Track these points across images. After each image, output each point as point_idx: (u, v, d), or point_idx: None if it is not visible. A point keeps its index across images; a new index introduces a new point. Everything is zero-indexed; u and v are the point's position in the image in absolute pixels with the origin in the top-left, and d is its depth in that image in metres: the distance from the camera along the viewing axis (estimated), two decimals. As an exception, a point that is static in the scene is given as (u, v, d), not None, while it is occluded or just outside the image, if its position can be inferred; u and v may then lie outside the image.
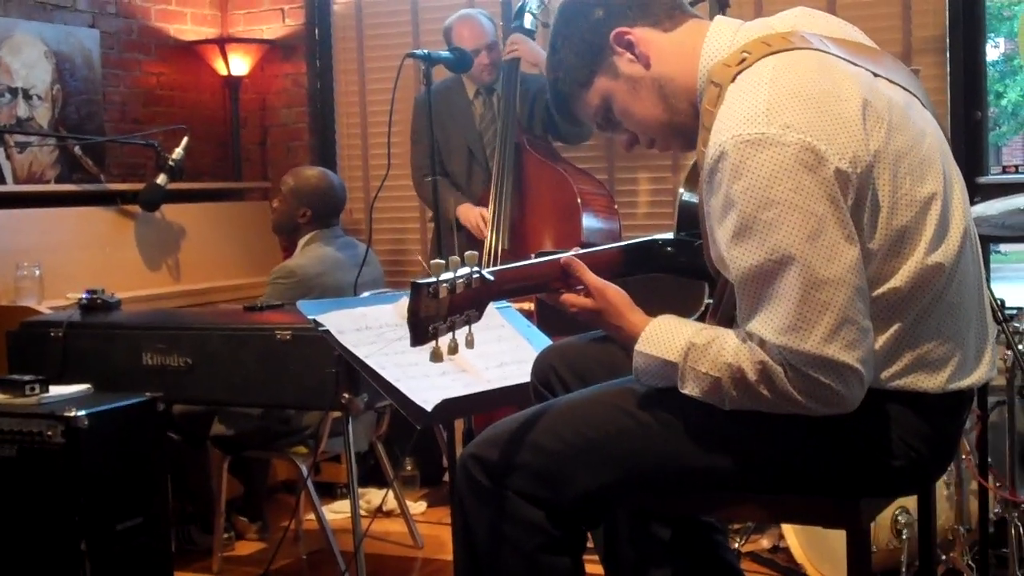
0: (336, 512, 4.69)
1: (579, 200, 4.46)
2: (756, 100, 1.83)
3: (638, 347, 1.96)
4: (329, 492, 4.91)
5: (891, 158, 1.83)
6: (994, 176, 4.72)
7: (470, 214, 4.57)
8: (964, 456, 3.49)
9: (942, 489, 3.62)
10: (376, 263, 4.41)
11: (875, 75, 1.95)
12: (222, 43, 5.67)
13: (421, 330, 1.83)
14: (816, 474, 1.95)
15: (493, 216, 4.49)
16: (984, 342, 2.01)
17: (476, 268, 1.90)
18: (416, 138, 4.75)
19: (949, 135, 4.48)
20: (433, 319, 1.84)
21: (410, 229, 5.52)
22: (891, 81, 1.97)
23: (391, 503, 4.56)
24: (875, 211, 1.82)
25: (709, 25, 2.04)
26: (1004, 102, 15.13)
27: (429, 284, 1.83)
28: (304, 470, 3.91)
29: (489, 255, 4.48)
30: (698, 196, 1.97)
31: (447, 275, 1.85)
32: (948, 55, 4.67)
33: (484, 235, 4.49)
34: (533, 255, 2.15)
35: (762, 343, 1.81)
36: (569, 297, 2.04)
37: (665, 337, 1.94)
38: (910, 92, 2.01)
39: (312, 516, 4.29)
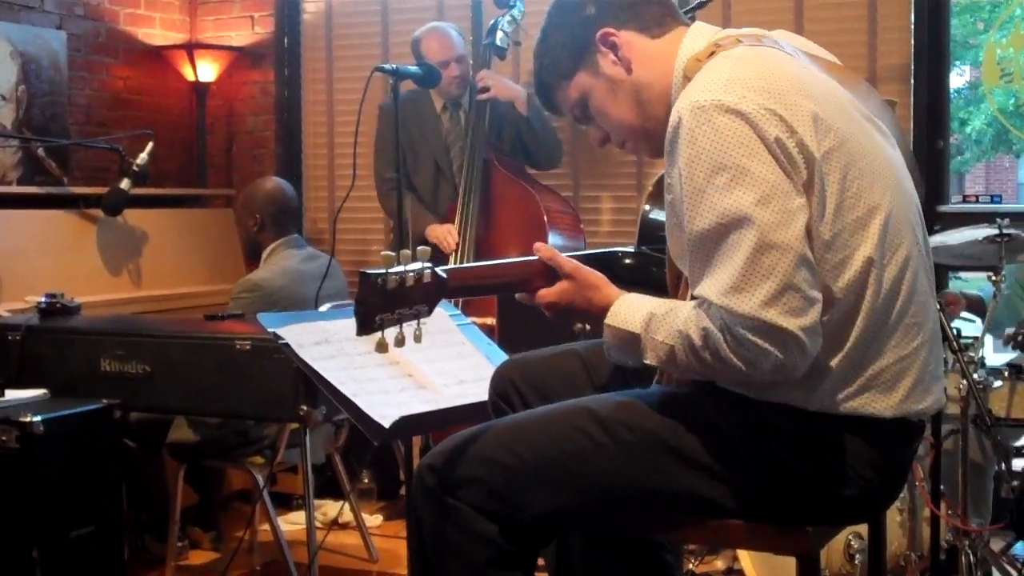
0: (292, 523, 4.67)
1: (545, 217, 4.47)
2: (718, 75, 1.87)
3: (606, 320, 1.99)
4: (285, 503, 4.89)
5: (842, 159, 1.86)
6: (955, 205, 4.78)
7: (436, 232, 4.56)
8: (918, 483, 3.51)
9: (895, 515, 3.64)
10: (340, 275, 4.40)
11: (843, 90, 1.99)
12: (190, 48, 5.65)
13: (367, 320, 1.84)
14: (766, 500, 1.96)
15: (459, 231, 4.48)
16: (937, 369, 2.02)
17: (428, 264, 1.90)
18: (380, 146, 4.74)
19: (912, 163, 4.56)
20: (380, 310, 1.84)
21: (374, 240, 5.50)
22: (856, 101, 2.01)
23: (347, 515, 4.55)
24: (821, 204, 1.84)
25: (690, 29, 2.08)
26: (968, 130, 15.28)
27: (378, 275, 1.83)
28: (260, 481, 3.89)
29: (453, 269, 4.47)
30: (665, 200, 1.98)
31: (397, 268, 1.86)
32: (912, 84, 4.72)
33: (450, 250, 4.49)
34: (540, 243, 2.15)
35: (708, 306, 1.82)
36: (545, 291, 2.06)
37: (630, 310, 1.97)
38: (875, 119, 2.04)
39: (267, 527, 4.26)
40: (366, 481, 4.97)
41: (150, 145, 4.67)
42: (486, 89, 4.48)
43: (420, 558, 2.08)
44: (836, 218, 1.85)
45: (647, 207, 2.52)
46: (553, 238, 4.45)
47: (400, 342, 1.90)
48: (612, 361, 2.05)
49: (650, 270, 2.19)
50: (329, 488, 4.78)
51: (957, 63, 13.32)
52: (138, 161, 4.62)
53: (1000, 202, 5.00)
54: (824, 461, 1.93)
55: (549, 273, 2.06)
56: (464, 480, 2.00)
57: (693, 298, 1.88)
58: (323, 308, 3.72)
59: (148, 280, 4.92)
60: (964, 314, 3.72)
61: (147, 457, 4.11)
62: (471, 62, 4.68)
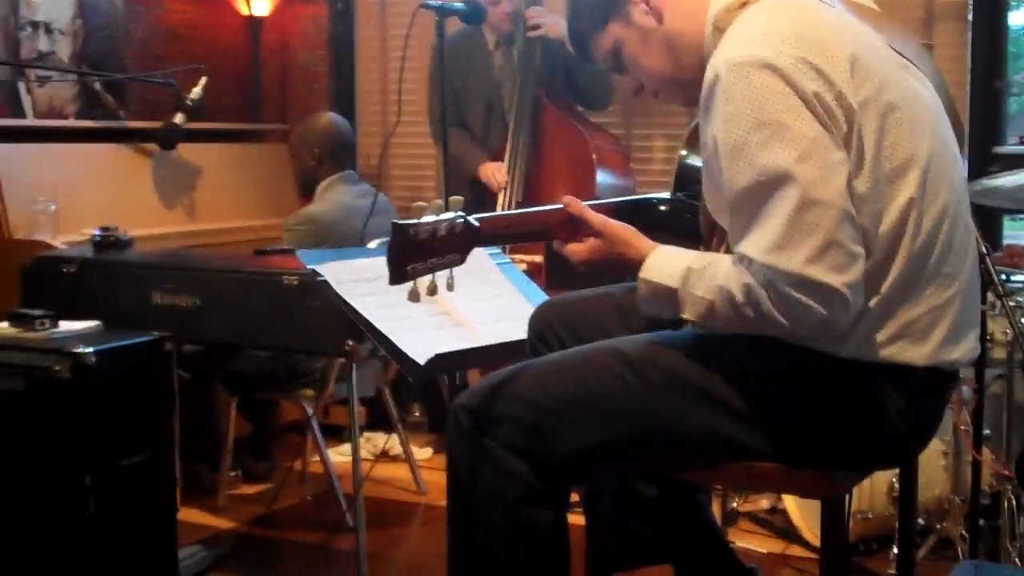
0: (343, 455, 4.73)
1: (594, 155, 4.46)
2: (752, 29, 1.87)
3: (641, 275, 1.99)
4: (337, 435, 4.96)
5: (880, 109, 1.85)
6: (1012, 146, 4.70)
7: (487, 170, 4.56)
8: (961, 428, 3.50)
9: (939, 459, 3.64)
10: (391, 212, 4.43)
11: (879, 35, 1.97)
12: (245, -18, 5.66)
13: (399, 269, 1.86)
14: (793, 444, 1.97)
15: (508, 169, 4.49)
16: (973, 319, 2.02)
17: (460, 213, 1.92)
18: (431, 84, 4.74)
19: (968, 103, 4.49)
20: (412, 259, 1.86)
21: (427, 176, 5.52)
22: (893, 48, 1.99)
23: (397, 448, 4.62)
24: (860, 154, 1.84)
25: None
26: (1035, 67, 14.98)
27: (409, 225, 1.85)
28: (310, 412, 3.96)
29: (503, 208, 4.48)
30: (701, 155, 1.98)
31: (429, 218, 1.88)
32: (970, 22, 4.63)
33: (499, 188, 4.50)
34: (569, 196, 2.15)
35: (749, 263, 1.82)
36: (574, 246, 2.06)
37: (666, 264, 1.97)
38: (912, 63, 2.02)
39: (318, 458, 4.34)
40: (417, 414, 5.03)
41: (203, 80, 4.71)
42: (536, 27, 4.46)
43: (455, 496, 2.11)
44: (874, 168, 1.84)
45: (683, 152, 2.50)
46: (602, 176, 4.45)
47: (432, 291, 1.92)
48: (646, 314, 2.05)
49: (685, 218, 2.19)
50: (380, 421, 4.84)
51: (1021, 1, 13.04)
52: (192, 96, 4.67)
53: (1060, 143, 4.93)
54: (853, 408, 1.93)
55: (576, 225, 2.06)
56: (497, 419, 2.03)
57: (733, 253, 1.88)
58: (371, 245, 3.77)
59: (202, 214, 4.98)
60: None
61: (201, 388, 4.19)
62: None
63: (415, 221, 1.87)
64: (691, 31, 2.04)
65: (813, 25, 1.86)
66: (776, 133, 1.78)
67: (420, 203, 1.90)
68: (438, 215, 1.90)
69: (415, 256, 1.87)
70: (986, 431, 3.53)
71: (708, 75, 1.87)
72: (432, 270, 1.91)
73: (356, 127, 5.73)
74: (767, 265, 1.79)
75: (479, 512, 2.06)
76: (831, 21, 1.90)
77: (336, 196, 4.22)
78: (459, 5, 3.57)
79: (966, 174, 2.04)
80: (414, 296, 1.92)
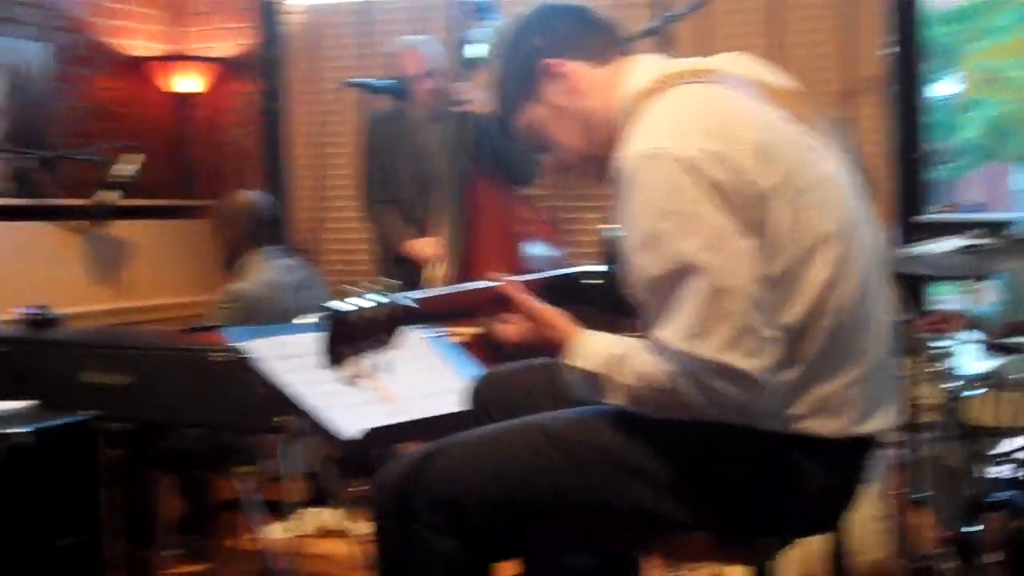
0: (284, 532, 4.68)
1: (523, 228, 4.50)
2: (660, 120, 1.91)
3: (566, 360, 2.01)
4: (276, 511, 4.90)
5: (789, 192, 1.88)
6: (934, 215, 4.81)
7: (416, 245, 4.59)
8: (892, 491, 3.54)
9: (874, 523, 3.66)
10: (319, 285, 4.44)
11: (788, 118, 2.01)
12: (172, 60, 5.68)
13: (333, 354, 1.87)
14: (716, 514, 1.99)
15: (438, 244, 4.51)
16: (891, 390, 2.06)
17: (392, 295, 1.94)
18: (362, 163, 4.78)
19: (889, 174, 4.59)
20: (342, 345, 1.87)
21: (360, 251, 5.52)
22: (805, 127, 2.03)
23: (338, 523, 4.58)
24: (771, 240, 1.87)
25: (635, 59, 2.12)
26: (962, 136, 15.31)
27: (343, 311, 1.87)
28: (245, 490, 3.92)
29: (433, 283, 4.50)
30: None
31: (360, 301, 1.90)
32: (888, 96, 4.76)
33: (426, 264, 4.52)
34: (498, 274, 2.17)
35: (667, 351, 1.85)
36: (500, 328, 2.09)
37: (589, 349, 1.99)
38: (826, 139, 2.07)
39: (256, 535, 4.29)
40: (354, 489, 4.98)
41: (135, 156, 4.69)
42: (462, 102, 4.51)
43: (384, 573, 2.10)
44: (785, 251, 1.88)
45: (605, 227, 2.53)
46: (532, 248, 4.48)
47: (368, 372, 1.94)
48: (574, 396, 2.07)
49: (613, 291, 2.21)
50: (323, 495, 4.80)
51: (947, 71, 13.38)
52: (123, 173, 4.64)
53: (981, 211, 5.05)
54: (772, 477, 1.96)
55: (507, 304, 2.08)
56: (419, 498, 2.03)
57: (650, 339, 1.91)
58: (304, 317, 3.77)
59: (134, 291, 4.94)
60: (967, 333, 3.72)
61: (135, 467, 4.13)
62: (449, 75, 4.71)
63: (351, 307, 1.88)
64: (603, 110, 2.08)
65: (720, 115, 1.90)
66: (684, 223, 1.82)
67: (345, 285, 1.92)
68: (368, 297, 1.91)
69: (346, 341, 1.89)
70: (921, 495, 3.58)
71: (615, 167, 1.91)
72: (367, 352, 1.92)
73: (290, 202, 5.77)
74: (683, 352, 1.83)
75: None
76: (738, 109, 1.94)
77: (260, 274, 4.22)
78: (384, 82, 3.61)
79: (880, 245, 2.08)
80: (348, 380, 1.93)
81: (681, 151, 1.84)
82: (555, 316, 2.06)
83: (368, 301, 1.90)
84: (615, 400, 1.96)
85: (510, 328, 2.08)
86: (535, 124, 2.15)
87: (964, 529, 3.10)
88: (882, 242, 2.10)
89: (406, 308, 1.94)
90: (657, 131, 1.89)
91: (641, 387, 1.90)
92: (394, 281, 1.98)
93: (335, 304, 1.88)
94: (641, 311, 1.96)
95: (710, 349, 1.81)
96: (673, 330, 1.85)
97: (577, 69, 2.11)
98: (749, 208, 1.85)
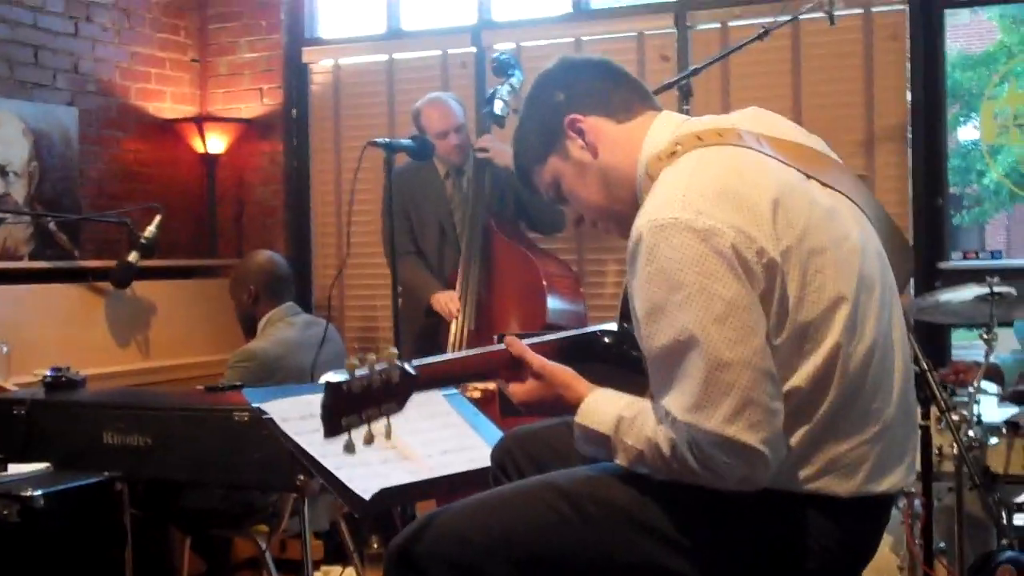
0: (301, 590, 4.69)
1: (544, 282, 4.52)
2: (675, 188, 1.91)
3: (576, 419, 2.02)
4: (294, 569, 4.90)
5: (803, 255, 1.89)
6: (955, 262, 4.80)
7: (440, 301, 4.61)
8: (916, 543, 3.51)
9: (896, 573, 3.64)
10: (339, 341, 4.46)
11: (807, 176, 2.01)
12: (200, 121, 5.77)
13: (333, 424, 1.89)
14: (735, 572, 1.97)
15: (460, 297, 4.53)
16: (904, 448, 2.04)
17: (396, 363, 1.95)
18: (385, 219, 4.80)
19: (911, 221, 4.59)
20: (345, 413, 1.89)
21: (383, 307, 5.56)
22: (824, 184, 2.04)
23: (356, 582, 4.56)
24: (783, 305, 1.87)
25: (656, 117, 2.13)
26: (986, 181, 15.27)
27: (341, 382, 1.89)
28: (264, 548, 3.92)
29: (456, 336, 4.52)
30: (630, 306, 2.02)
31: (361, 372, 1.91)
32: (909, 142, 4.76)
33: (452, 317, 4.54)
34: (495, 337, 2.20)
35: (672, 420, 1.86)
36: (514, 387, 2.09)
37: (600, 410, 2.00)
38: (848, 197, 2.07)
39: (275, 594, 4.29)
40: (375, 546, 4.97)
41: (158, 218, 4.76)
42: (485, 150, 4.55)
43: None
44: (798, 313, 1.88)
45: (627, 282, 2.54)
46: (553, 302, 4.50)
47: (369, 440, 1.95)
48: (583, 455, 2.08)
49: (629, 351, 2.22)
50: (339, 554, 4.80)
51: (973, 115, 13.36)
52: (146, 234, 4.71)
53: (1000, 258, 5.04)
54: (786, 535, 1.95)
55: (517, 365, 2.09)
56: (432, 558, 2.03)
57: (656, 407, 1.92)
58: (326, 375, 3.78)
59: (156, 351, 4.99)
60: (983, 383, 3.70)
61: (154, 526, 4.15)
62: (471, 130, 4.76)
63: (347, 376, 1.91)
64: (624, 167, 2.10)
65: (736, 178, 1.91)
66: (694, 295, 1.83)
67: (353, 360, 1.94)
68: (372, 367, 1.93)
69: (348, 410, 1.91)
70: (940, 544, 3.55)
71: (632, 234, 1.91)
72: (367, 421, 1.94)
73: (313, 261, 5.81)
74: (688, 424, 1.84)
75: None
76: (755, 170, 1.94)
77: (277, 332, 4.26)
78: (406, 142, 3.65)
79: (898, 302, 2.08)
80: (350, 448, 1.94)
81: (694, 221, 1.85)
82: (566, 375, 2.07)
83: (363, 370, 1.92)
84: (620, 461, 1.97)
85: (523, 387, 2.09)
86: (558, 178, 2.18)
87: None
88: (898, 300, 2.09)
89: (405, 373, 1.96)
90: (671, 199, 1.89)
91: (646, 451, 1.91)
92: (394, 350, 1.99)
93: (331, 375, 1.90)
94: (650, 377, 1.97)
95: (713, 422, 1.82)
96: (678, 400, 1.85)
97: (598, 125, 2.13)
98: (762, 276, 1.85)
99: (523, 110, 2.23)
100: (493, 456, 2.41)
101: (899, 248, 2.14)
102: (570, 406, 2.05)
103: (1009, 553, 3.02)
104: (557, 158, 2.16)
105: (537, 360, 2.07)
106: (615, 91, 2.16)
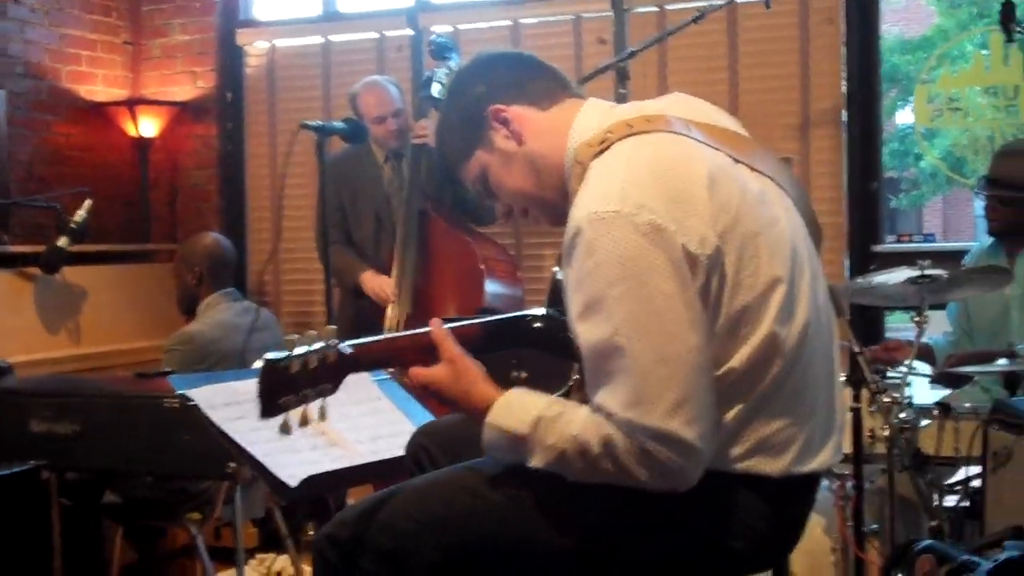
0: (235, 577, 4.65)
1: (482, 265, 4.50)
2: (612, 180, 1.89)
3: (488, 419, 1.97)
4: (229, 557, 4.85)
5: (738, 239, 1.89)
6: (889, 244, 4.84)
7: (372, 283, 4.58)
8: (841, 524, 3.53)
9: (828, 555, 3.66)
10: (275, 327, 4.42)
11: (736, 161, 2.01)
12: (132, 105, 5.68)
13: (270, 403, 1.87)
14: (661, 555, 1.98)
15: (397, 283, 4.51)
16: (831, 429, 2.06)
17: (333, 342, 1.92)
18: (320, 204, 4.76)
19: (846, 205, 4.62)
20: (282, 392, 1.86)
21: (317, 291, 5.50)
22: (752, 168, 2.04)
23: (289, 569, 4.54)
24: (720, 292, 1.87)
25: (583, 104, 2.11)
26: (923, 164, 15.44)
27: (279, 359, 1.86)
28: (198, 537, 3.88)
29: (392, 322, 4.49)
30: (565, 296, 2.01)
31: (300, 349, 1.88)
32: (844, 126, 4.79)
33: (386, 303, 4.51)
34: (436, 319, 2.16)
35: (608, 416, 1.84)
36: (417, 370, 2.04)
37: (516, 409, 1.96)
38: (774, 180, 2.07)
39: (209, 582, 4.25)
40: (310, 533, 4.94)
41: (88, 202, 4.67)
42: (422, 136, 4.52)
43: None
44: (735, 297, 1.88)
45: (556, 268, 2.52)
46: (490, 286, 4.48)
47: (304, 422, 1.93)
48: (492, 459, 2.04)
49: (559, 335, 2.20)
50: (274, 541, 4.76)
51: (910, 98, 13.50)
52: (75, 218, 4.63)
53: (933, 241, 5.09)
54: (716, 516, 1.96)
55: (436, 350, 2.05)
56: (360, 547, 2.01)
57: (590, 404, 1.89)
58: (255, 364, 3.75)
59: (87, 337, 4.92)
60: (915, 363, 3.73)
61: (84, 516, 4.09)
62: (410, 114, 4.72)
63: (285, 355, 1.87)
64: (552, 154, 2.08)
65: (671, 167, 1.90)
66: (634, 288, 1.82)
67: (292, 336, 1.91)
68: (311, 345, 1.90)
69: (286, 389, 1.88)
70: (873, 526, 3.58)
71: (570, 226, 1.89)
72: (304, 401, 1.91)
73: (247, 245, 5.75)
74: (627, 419, 1.82)
75: None
76: (688, 157, 1.94)
77: (216, 314, 4.22)
78: (339, 125, 3.61)
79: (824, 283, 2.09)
80: (285, 429, 1.92)
81: (635, 214, 1.83)
82: (477, 372, 2.03)
83: (303, 348, 1.89)
84: (538, 463, 1.92)
85: (428, 371, 2.03)
86: (485, 170, 2.15)
87: (898, 574, 3.09)
88: (822, 281, 2.10)
89: (341, 354, 1.93)
90: (610, 191, 1.87)
91: (569, 451, 1.88)
92: (333, 327, 1.96)
93: (270, 354, 1.87)
94: (583, 372, 1.95)
95: (653, 417, 1.80)
96: (615, 396, 1.83)
97: (522, 113, 2.11)
98: (703, 266, 1.85)
99: (443, 107, 2.21)
100: (408, 451, 2.39)
101: (813, 232, 2.15)
102: (476, 404, 2.00)
103: (928, 542, 3.04)
104: (482, 150, 2.13)
105: (451, 349, 2.03)
106: (535, 80, 2.14)
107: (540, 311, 2.34)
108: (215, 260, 4.32)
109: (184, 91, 5.83)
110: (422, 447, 2.36)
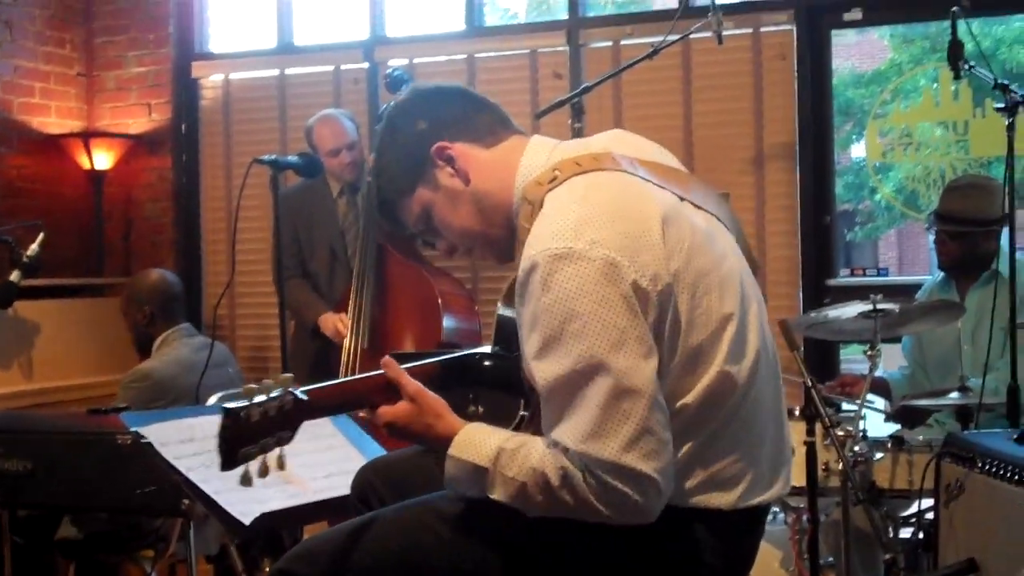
0: (190, 614, 4.59)
1: (439, 300, 4.50)
2: (566, 217, 1.89)
3: (450, 451, 1.97)
4: (185, 594, 4.81)
5: (691, 278, 1.90)
6: (843, 278, 4.87)
7: (328, 323, 4.57)
8: (796, 557, 3.55)
9: (784, 588, 3.68)
10: (233, 362, 4.39)
11: (681, 199, 2.02)
12: (87, 137, 5.66)
13: (230, 455, 1.85)
14: None
15: (352, 316, 4.50)
16: (780, 461, 2.07)
17: (290, 389, 1.91)
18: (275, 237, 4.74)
19: (799, 239, 4.66)
20: (244, 443, 1.85)
21: (272, 326, 5.49)
22: (696, 205, 2.05)
23: (246, 606, 4.49)
24: (675, 329, 1.88)
25: (528, 142, 2.11)
26: (878, 197, 15.58)
27: (239, 409, 1.84)
28: (151, 573, 3.84)
29: (349, 355, 4.48)
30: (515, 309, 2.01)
31: (259, 398, 1.87)
32: (798, 161, 4.83)
33: (340, 339, 4.50)
34: (389, 355, 2.15)
35: (565, 450, 1.84)
36: (384, 409, 2.04)
37: (476, 442, 1.96)
38: (715, 216, 2.09)
39: (163, 621, 4.20)
40: (266, 569, 4.90)
41: (41, 235, 4.62)
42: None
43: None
44: (689, 336, 1.89)
45: (500, 306, 2.53)
46: (448, 320, 4.48)
47: (264, 472, 1.92)
48: (452, 493, 2.04)
49: (508, 372, 2.20)
50: (231, 577, 4.72)
51: (864, 132, 13.61)
52: (29, 252, 4.57)
53: (887, 275, 5.14)
54: (671, 550, 1.96)
55: (395, 390, 2.05)
56: None
57: (547, 438, 1.89)
58: (212, 398, 3.73)
59: (40, 373, 4.87)
60: (871, 398, 3.75)
61: (37, 553, 4.04)
62: (365, 147, 4.72)
63: (244, 404, 1.86)
64: (498, 192, 2.07)
65: (624, 205, 1.91)
66: (590, 324, 1.82)
67: (252, 385, 1.89)
68: (269, 393, 1.89)
69: (246, 440, 1.86)
70: (829, 558, 3.59)
71: (524, 263, 1.89)
72: (264, 451, 1.90)
73: (202, 278, 5.73)
74: (582, 453, 1.82)
75: None
76: (639, 195, 1.95)
77: (172, 351, 4.19)
78: (293, 159, 3.61)
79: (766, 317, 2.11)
80: (246, 480, 1.90)
81: (589, 251, 1.84)
82: (440, 405, 2.03)
83: (261, 397, 1.88)
84: (498, 496, 1.93)
85: (393, 410, 2.03)
86: (428, 209, 2.13)
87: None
88: (766, 316, 2.11)
89: (298, 400, 1.92)
90: (563, 228, 1.87)
91: (529, 483, 1.88)
92: (289, 375, 1.95)
93: (230, 403, 1.85)
94: (540, 408, 1.94)
95: (610, 450, 1.81)
96: (572, 430, 1.84)
97: (467, 151, 2.09)
98: (656, 303, 1.86)
99: (381, 143, 2.17)
100: (353, 488, 2.38)
101: (750, 264, 2.16)
102: (439, 437, 2.00)
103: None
104: (426, 188, 2.11)
105: (413, 385, 2.03)
106: (477, 116, 2.13)
107: (488, 349, 2.35)
108: (164, 296, 4.30)
109: (139, 123, 5.80)
110: (369, 483, 2.36)
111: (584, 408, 1.82)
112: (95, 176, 5.67)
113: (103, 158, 5.63)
